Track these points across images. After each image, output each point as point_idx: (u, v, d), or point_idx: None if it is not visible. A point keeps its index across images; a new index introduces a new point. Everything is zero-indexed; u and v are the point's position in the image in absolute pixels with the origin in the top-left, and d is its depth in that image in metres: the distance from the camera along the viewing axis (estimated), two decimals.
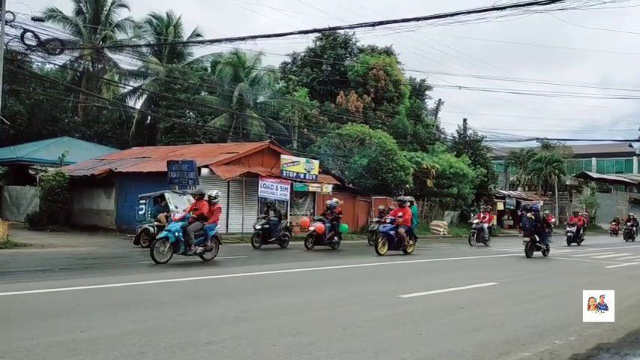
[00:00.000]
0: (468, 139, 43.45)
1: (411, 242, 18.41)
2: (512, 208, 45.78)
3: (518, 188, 55.94)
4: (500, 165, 56.83)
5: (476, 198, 39.54)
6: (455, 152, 40.09)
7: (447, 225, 35.42)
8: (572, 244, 27.60)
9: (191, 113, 38.11)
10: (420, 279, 12.49)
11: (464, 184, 36.74)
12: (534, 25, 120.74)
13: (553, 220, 22.41)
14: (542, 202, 50.99)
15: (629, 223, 35.59)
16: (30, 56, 31.07)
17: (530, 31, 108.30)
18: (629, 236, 34.82)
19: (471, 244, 25.03)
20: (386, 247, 17.72)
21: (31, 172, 27.09)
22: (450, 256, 19.56)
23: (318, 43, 42.37)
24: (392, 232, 17.80)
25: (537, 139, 53.83)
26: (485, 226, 25.76)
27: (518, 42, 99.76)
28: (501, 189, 50.61)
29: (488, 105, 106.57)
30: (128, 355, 5.38)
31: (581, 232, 28.84)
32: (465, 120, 44.53)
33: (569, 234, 28.18)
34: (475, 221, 26.31)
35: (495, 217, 41.60)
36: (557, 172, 53.15)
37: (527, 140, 50.54)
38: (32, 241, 17.83)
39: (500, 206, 44.19)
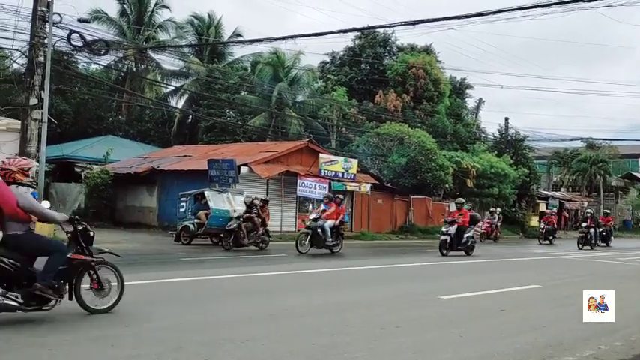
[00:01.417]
0: (509, 138, 42.66)
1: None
2: (555, 209, 44.76)
3: (562, 189, 54.67)
4: (543, 165, 55.59)
5: (518, 199, 38.82)
6: (496, 152, 39.43)
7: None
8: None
9: (231, 112, 38.51)
10: (461, 280, 12.32)
11: (505, 184, 36.11)
12: (577, 21, 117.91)
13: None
14: (586, 204, 49.83)
15: None
16: (76, 57, 31.91)
17: (573, 28, 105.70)
18: None
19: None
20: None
21: (76, 169, 27.84)
22: (495, 257, 19.26)
23: (357, 42, 42.26)
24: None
25: (582, 138, 52.37)
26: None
27: (561, 39, 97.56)
28: (544, 190, 49.55)
29: (531, 104, 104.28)
30: (168, 350, 5.47)
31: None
32: (506, 119, 43.67)
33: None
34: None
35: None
36: (602, 172, 51.65)
37: (571, 140, 49.08)
38: None
39: (542, 207, 43.27)
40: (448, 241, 17.83)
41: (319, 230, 16.78)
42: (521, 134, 43.10)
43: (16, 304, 6.12)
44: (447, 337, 6.59)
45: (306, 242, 16.74)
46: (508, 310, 8.47)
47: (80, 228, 6.87)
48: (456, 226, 18.09)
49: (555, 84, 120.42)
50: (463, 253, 18.06)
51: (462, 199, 20.37)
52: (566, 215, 47.27)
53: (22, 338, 5.72)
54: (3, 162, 6.62)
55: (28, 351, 5.27)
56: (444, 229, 18.28)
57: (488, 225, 29.40)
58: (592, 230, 25.06)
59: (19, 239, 6.30)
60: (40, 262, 6.44)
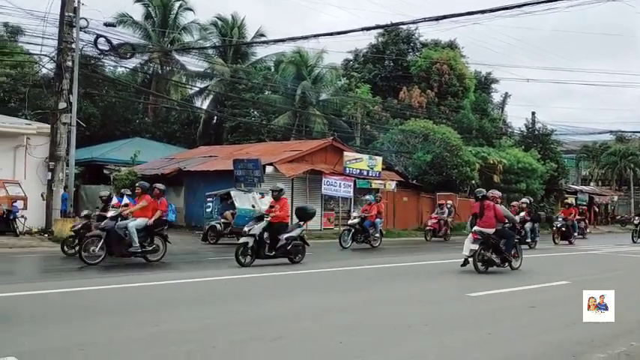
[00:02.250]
0: (536, 132, 42.06)
1: None
2: (584, 203, 44.09)
3: (591, 183, 53.78)
4: (572, 159, 54.76)
5: (546, 194, 38.30)
6: (523, 147, 38.94)
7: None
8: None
9: (255, 112, 38.70)
10: (489, 277, 12.21)
11: (533, 179, 35.64)
12: (604, 12, 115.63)
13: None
14: (616, 197, 48.95)
15: None
16: (103, 60, 32.42)
17: (601, 19, 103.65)
18: None
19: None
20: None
21: (105, 171, 28.27)
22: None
23: (380, 39, 42.10)
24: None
25: (611, 131, 51.48)
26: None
27: (588, 31, 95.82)
28: (573, 184, 48.79)
29: (558, 97, 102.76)
30: (200, 348, 5.55)
31: None
32: (533, 113, 43.02)
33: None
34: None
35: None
36: (632, 166, 50.69)
37: (600, 133, 48.37)
38: None
39: (572, 202, 42.60)
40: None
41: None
42: (549, 128, 42.49)
43: None
44: (476, 335, 6.56)
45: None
46: (538, 308, 8.39)
47: None
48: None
49: (583, 76, 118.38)
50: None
51: (374, 195, 21.13)
52: (596, 210, 46.53)
53: (56, 340, 5.86)
54: None
55: (62, 353, 5.40)
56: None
57: (435, 221, 24.44)
58: None
59: None
60: None
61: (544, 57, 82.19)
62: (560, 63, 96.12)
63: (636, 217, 26.88)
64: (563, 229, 23.84)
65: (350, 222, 19.31)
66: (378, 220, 19.49)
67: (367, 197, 20.71)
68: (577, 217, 26.39)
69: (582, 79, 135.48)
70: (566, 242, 23.46)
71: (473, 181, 31.90)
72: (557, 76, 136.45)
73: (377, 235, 19.42)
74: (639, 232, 25.54)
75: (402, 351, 5.73)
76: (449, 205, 25.94)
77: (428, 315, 7.60)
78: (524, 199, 21.67)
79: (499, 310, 8.21)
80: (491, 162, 33.52)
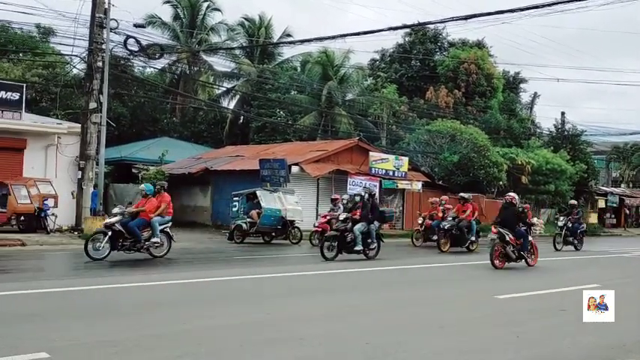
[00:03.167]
0: (566, 133, 41.42)
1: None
2: (614, 205, 43.27)
3: (622, 185, 52.73)
4: (602, 160, 53.80)
5: (575, 195, 37.66)
6: (552, 147, 38.36)
7: (543, 223, 33.93)
8: None
9: (281, 112, 38.80)
10: (518, 279, 12.05)
11: (562, 180, 35.09)
12: (636, 10, 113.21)
13: None
14: None
15: None
16: (132, 61, 32.87)
17: (632, 16, 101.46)
18: None
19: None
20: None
21: (133, 170, 28.64)
22: (548, 256, 18.74)
23: (407, 39, 41.88)
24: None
25: None
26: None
27: (619, 30, 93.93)
28: (603, 185, 47.91)
29: (588, 97, 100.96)
30: (229, 348, 5.58)
31: None
32: (563, 113, 42.46)
33: None
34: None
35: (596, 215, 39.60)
36: None
37: (631, 134, 47.26)
38: None
39: (601, 204, 41.87)
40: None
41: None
42: (579, 129, 41.82)
43: None
44: (505, 337, 6.48)
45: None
46: (568, 311, 8.24)
47: None
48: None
49: (613, 76, 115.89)
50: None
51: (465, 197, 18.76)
52: (627, 212, 45.64)
53: (86, 336, 5.95)
54: None
55: (95, 350, 5.47)
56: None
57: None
58: None
59: None
60: None
61: (574, 56, 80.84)
62: (591, 62, 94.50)
63: None
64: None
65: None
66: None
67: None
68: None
69: (613, 79, 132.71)
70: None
71: (500, 182, 31.55)
72: (588, 76, 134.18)
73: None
74: (566, 235, 22.44)
75: (433, 352, 5.69)
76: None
77: (457, 316, 7.53)
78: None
79: (528, 313, 8.08)
80: (520, 163, 33.10)
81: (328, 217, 18.32)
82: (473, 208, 18.35)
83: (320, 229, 18.10)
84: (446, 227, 17.73)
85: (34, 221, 18.52)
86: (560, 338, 6.52)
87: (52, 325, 6.33)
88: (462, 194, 19.01)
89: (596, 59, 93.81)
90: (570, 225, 20.20)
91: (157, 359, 5.09)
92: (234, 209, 20.70)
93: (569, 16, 75.92)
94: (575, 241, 20.21)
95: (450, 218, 18.16)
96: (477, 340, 6.28)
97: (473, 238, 18.06)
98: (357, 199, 14.65)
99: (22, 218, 18.58)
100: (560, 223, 20.65)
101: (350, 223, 14.11)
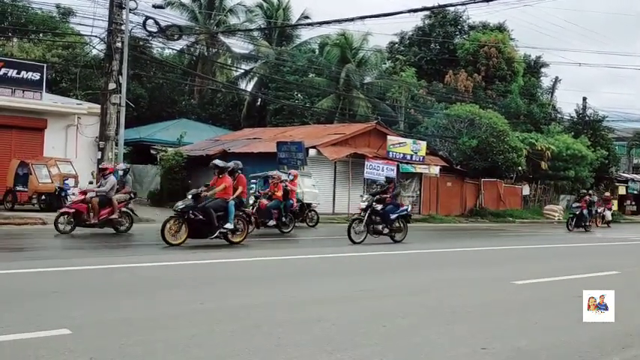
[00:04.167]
0: (587, 118, 40.89)
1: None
2: (635, 192, 42.69)
3: None
4: (623, 147, 53.02)
5: (595, 182, 37.24)
6: (573, 133, 37.90)
7: (562, 209, 33.64)
8: None
9: (299, 95, 38.76)
10: (536, 265, 11.97)
11: (582, 166, 34.70)
12: None
13: None
14: None
15: None
16: (151, 42, 32.95)
17: None
18: None
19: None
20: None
21: (152, 151, 28.87)
22: (567, 242, 18.61)
23: (426, 22, 41.46)
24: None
25: None
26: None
27: None
28: (624, 172, 47.29)
29: (611, 82, 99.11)
30: (245, 328, 5.62)
31: None
32: (584, 99, 41.79)
33: None
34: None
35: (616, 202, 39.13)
36: None
37: None
38: (154, 216, 19.00)
39: (622, 190, 41.36)
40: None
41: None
42: (600, 114, 41.29)
43: None
44: (522, 323, 6.45)
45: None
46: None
47: None
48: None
49: (637, 61, 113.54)
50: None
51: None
52: None
53: (107, 313, 6.04)
54: None
55: (115, 327, 5.55)
56: None
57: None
58: None
59: None
60: None
61: (597, 40, 79.39)
62: (614, 47, 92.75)
63: None
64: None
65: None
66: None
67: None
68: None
69: (636, 64, 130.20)
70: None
71: (519, 168, 31.29)
72: (611, 61, 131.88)
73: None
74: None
75: (447, 337, 5.68)
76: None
77: (473, 302, 7.50)
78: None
79: (545, 299, 8.03)
80: (539, 148, 32.78)
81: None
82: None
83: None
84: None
85: (55, 200, 18.74)
86: (577, 324, 6.47)
87: (73, 302, 6.42)
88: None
89: (619, 44, 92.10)
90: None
91: (172, 338, 5.14)
92: (252, 191, 20.76)
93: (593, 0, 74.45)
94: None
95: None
96: (492, 326, 6.26)
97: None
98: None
99: (43, 197, 18.84)
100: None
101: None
